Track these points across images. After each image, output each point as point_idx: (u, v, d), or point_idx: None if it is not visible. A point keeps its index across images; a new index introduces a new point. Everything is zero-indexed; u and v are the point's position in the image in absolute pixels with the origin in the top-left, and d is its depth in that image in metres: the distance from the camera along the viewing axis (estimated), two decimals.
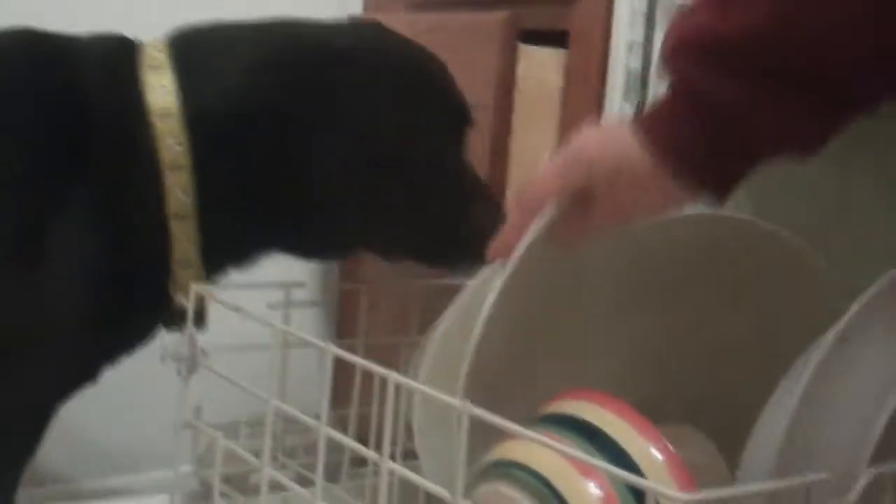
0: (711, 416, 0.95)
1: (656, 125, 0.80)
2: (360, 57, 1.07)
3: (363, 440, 1.01)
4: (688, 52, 0.78)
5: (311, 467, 1.04)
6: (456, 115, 1.15)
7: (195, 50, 1.07)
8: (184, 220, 1.03)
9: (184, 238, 1.03)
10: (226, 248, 1.08)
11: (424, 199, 1.09)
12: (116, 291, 1.04)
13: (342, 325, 1.61)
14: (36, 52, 1.05)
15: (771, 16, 0.72)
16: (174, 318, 1.07)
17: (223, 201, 1.05)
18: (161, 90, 1.03)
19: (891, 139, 1.41)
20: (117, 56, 1.06)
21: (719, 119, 0.76)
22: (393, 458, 0.84)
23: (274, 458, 1.07)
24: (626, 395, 0.77)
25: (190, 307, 1.03)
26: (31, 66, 1.04)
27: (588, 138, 0.86)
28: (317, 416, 0.93)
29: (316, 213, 1.07)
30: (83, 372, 1.09)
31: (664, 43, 0.81)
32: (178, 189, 1.02)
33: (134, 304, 1.06)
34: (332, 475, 1.10)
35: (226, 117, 1.04)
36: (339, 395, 1.11)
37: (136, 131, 1.02)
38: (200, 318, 1.07)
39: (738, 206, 1.32)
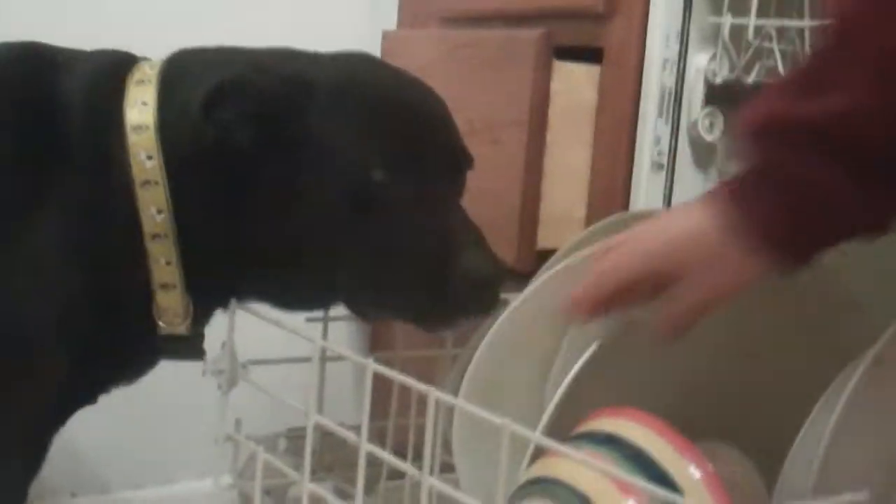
0: (748, 435, 0.95)
1: (735, 203, 0.81)
2: (340, 90, 1.00)
3: (400, 452, 1.02)
4: (774, 135, 0.79)
5: (349, 479, 1.05)
6: (449, 159, 1.04)
7: (183, 68, 1.04)
8: (161, 239, 0.98)
9: (162, 259, 0.99)
10: (209, 275, 1.01)
11: (411, 250, 0.98)
12: (95, 313, 1.00)
13: (377, 336, 1.63)
14: (27, 65, 1.03)
15: (867, 99, 0.74)
16: (165, 344, 1.03)
17: (202, 222, 0.99)
18: (141, 105, 1.00)
19: None
20: (108, 70, 1.04)
21: (808, 200, 0.78)
22: (431, 472, 0.85)
23: (312, 472, 1.08)
24: (664, 415, 0.78)
25: (231, 319, 1.04)
26: (18, 79, 1.02)
27: (650, 229, 0.87)
28: (354, 429, 0.95)
29: (289, 251, 1.00)
30: (73, 396, 1.05)
31: (742, 124, 0.82)
32: (153, 207, 0.98)
33: (116, 327, 1.01)
34: (369, 487, 1.12)
35: (195, 137, 0.98)
36: (375, 406, 1.12)
37: (110, 145, 0.99)
38: (201, 346, 1.05)
39: None
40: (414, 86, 1.06)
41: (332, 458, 1.18)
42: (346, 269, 1.00)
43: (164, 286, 0.99)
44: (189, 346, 1.04)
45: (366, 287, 1.01)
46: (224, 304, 1.04)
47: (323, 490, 1.03)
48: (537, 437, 0.74)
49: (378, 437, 1.13)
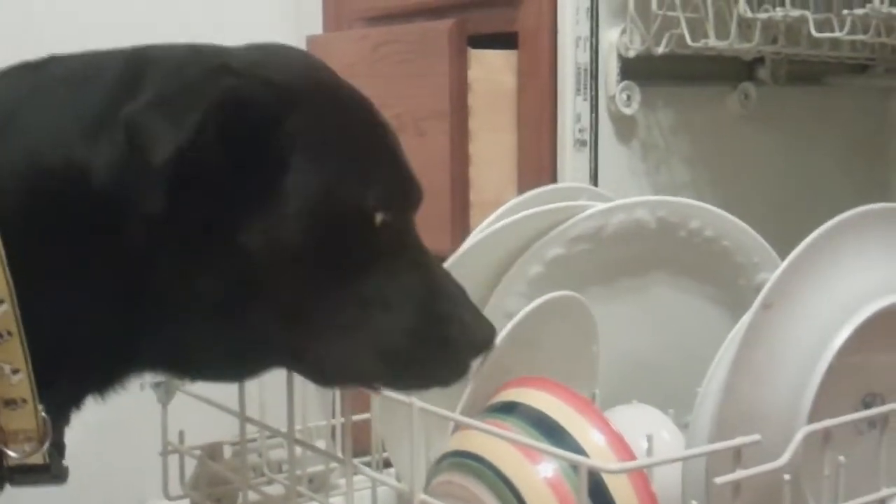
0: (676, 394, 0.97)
1: None
2: (310, 96, 0.74)
3: (364, 451, 1.03)
4: None
5: (298, 479, 1.07)
6: (412, 181, 0.79)
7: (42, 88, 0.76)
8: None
9: (6, 368, 0.70)
10: (78, 372, 0.76)
11: (411, 307, 0.76)
12: None
13: None
14: None
15: None
16: (13, 475, 0.75)
17: (61, 304, 0.72)
18: None
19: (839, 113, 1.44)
20: None
21: None
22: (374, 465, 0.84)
23: (261, 474, 1.10)
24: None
25: None
26: None
27: None
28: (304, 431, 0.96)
29: (203, 315, 0.74)
30: None
31: None
32: None
33: None
34: (321, 486, 1.13)
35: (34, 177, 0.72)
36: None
37: None
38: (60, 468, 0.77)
39: (698, 193, 1.36)
40: (349, 86, 0.80)
41: (282, 458, 1.19)
42: (322, 339, 0.75)
43: (10, 403, 0.72)
44: (46, 474, 0.76)
45: (348, 355, 0.76)
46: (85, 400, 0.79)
47: (271, 491, 1.05)
48: (443, 412, 0.75)
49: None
